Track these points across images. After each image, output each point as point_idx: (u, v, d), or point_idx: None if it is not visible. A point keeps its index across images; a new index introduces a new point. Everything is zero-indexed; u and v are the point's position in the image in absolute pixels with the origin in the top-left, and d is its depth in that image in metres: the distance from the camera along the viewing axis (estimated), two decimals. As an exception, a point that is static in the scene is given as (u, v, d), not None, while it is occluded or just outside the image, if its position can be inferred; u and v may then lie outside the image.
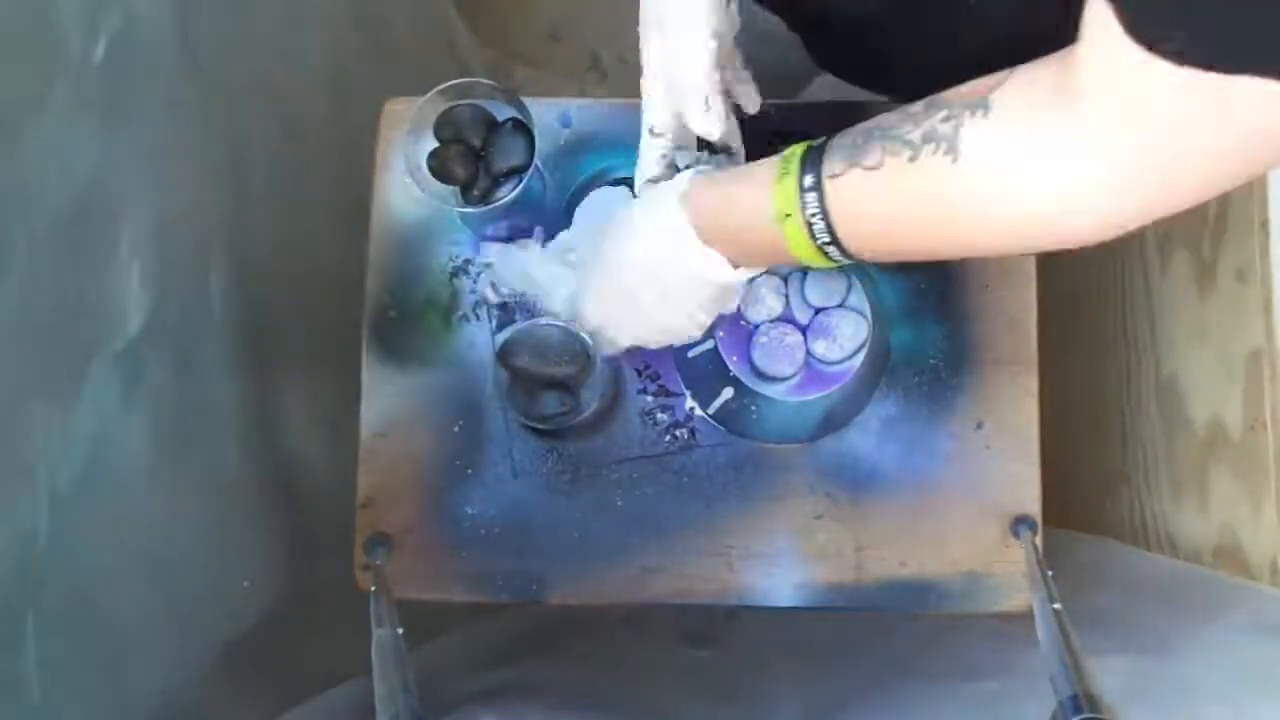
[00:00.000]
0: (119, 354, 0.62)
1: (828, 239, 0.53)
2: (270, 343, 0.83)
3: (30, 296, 0.54)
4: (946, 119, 0.48)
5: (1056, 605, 0.56)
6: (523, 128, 0.69)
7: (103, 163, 0.60)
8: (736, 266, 0.58)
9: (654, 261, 0.60)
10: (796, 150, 0.54)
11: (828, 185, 0.52)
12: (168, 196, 0.69)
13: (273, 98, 0.84)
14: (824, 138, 0.54)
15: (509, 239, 0.75)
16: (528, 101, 0.69)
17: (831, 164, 0.52)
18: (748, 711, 0.83)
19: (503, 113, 0.70)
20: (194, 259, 0.73)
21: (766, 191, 0.54)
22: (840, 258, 0.54)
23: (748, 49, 0.63)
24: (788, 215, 0.53)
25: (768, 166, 0.55)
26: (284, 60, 0.86)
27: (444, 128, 0.70)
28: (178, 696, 0.65)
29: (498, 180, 0.70)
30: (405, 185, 0.75)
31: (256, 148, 0.82)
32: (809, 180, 0.52)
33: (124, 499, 0.63)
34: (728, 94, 0.62)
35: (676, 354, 0.74)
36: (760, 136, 0.77)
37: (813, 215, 0.52)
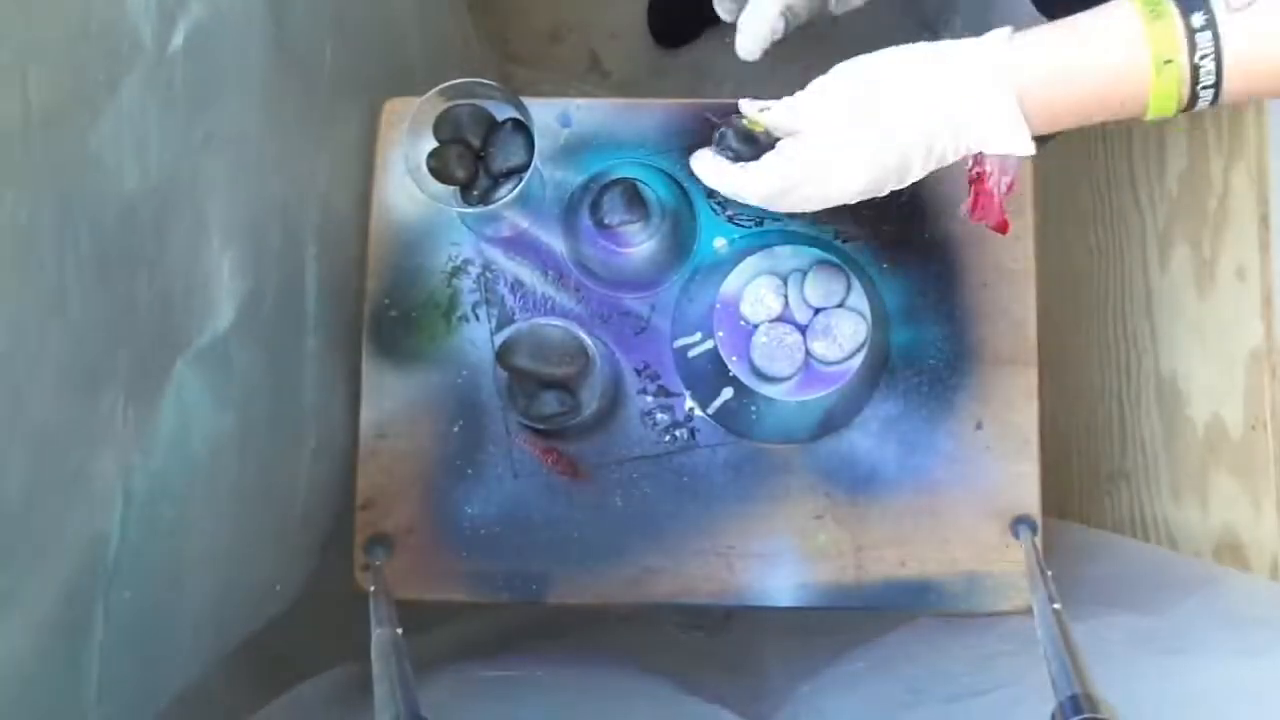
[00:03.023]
0: (206, 350, 0.61)
1: (1211, 83, 0.50)
2: (354, 340, 0.82)
3: (112, 292, 0.53)
4: None
5: (1056, 605, 0.56)
6: (523, 128, 0.69)
7: (185, 153, 0.59)
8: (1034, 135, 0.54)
9: (939, 108, 0.55)
10: None
11: (1224, 22, 0.49)
12: (262, 185, 0.67)
13: (361, 82, 0.82)
14: None
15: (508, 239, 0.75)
16: (528, 101, 0.69)
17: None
18: (745, 683, 0.83)
19: (503, 113, 0.70)
20: (288, 250, 0.72)
21: (1132, 42, 0.51)
22: (1207, 103, 0.51)
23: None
24: (1167, 61, 0.50)
25: (1118, 12, 0.52)
26: (368, 46, 0.84)
27: (444, 128, 0.70)
28: (189, 694, 0.65)
29: (498, 180, 0.70)
30: (405, 185, 0.75)
31: (347, 133, 0.80)
32: (1199, 20, 0.49)
33: (200, 498, 0.62)
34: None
35: (676, 354, 0.74)
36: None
37: (1203, 57, 0.50)
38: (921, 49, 0.57)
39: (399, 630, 0.56)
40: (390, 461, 0.74)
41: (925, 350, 0.75)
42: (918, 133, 0.55)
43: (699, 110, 0.77)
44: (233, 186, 0.63)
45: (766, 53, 0.63)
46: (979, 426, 0.74)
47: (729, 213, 0.76)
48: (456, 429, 0.75)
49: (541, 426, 0.70)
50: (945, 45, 0.56)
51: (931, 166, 0.57)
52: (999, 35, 0.55)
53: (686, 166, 0.76)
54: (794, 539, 0.73)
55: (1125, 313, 1.05)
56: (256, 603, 0.72)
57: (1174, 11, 0.50)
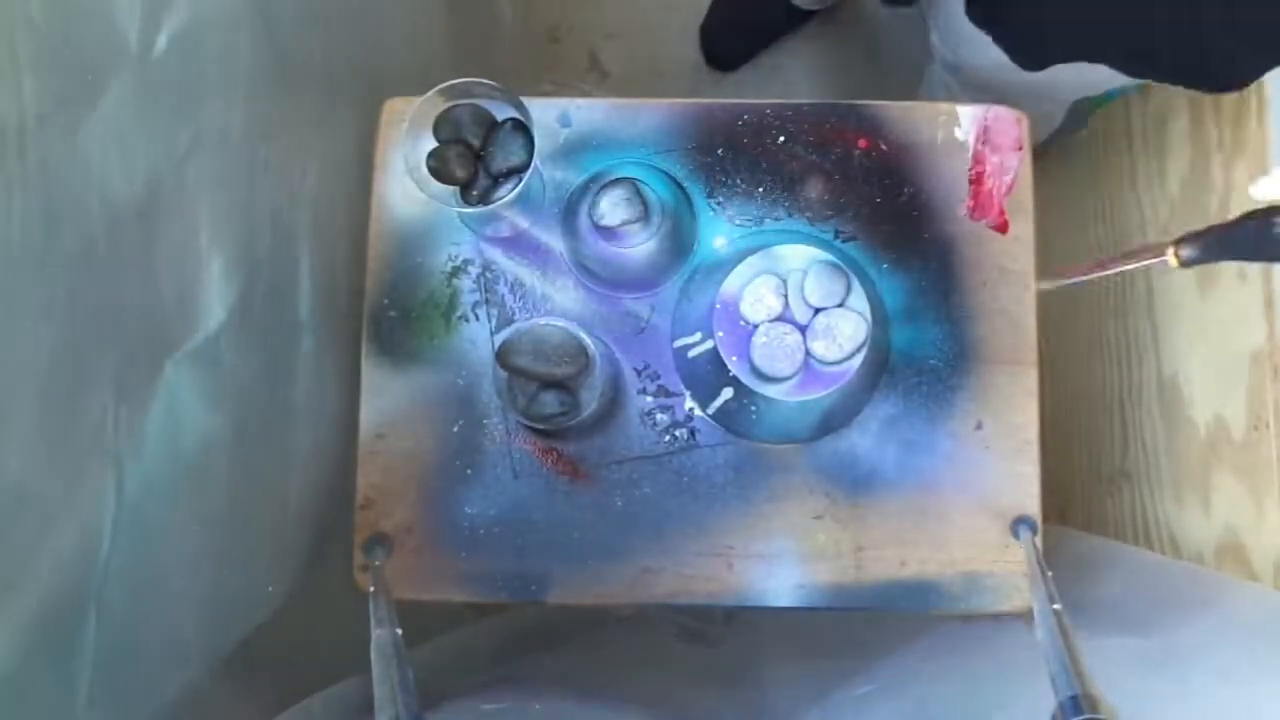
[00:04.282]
0: (197, 351, 0.61)
1: None
2: (350, 340, 0.82)
3: (99, 294, 0.53)
4: None
5: (1056, 606, 0.56)
6: (522, 128, 0.69)
7: (171, 155, 0.59)
8: None
9: None
10: None
11: None
12: (251, 186, 0.67)
13: (356, 82, 0.82)
14: None
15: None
16: (528, 101, 0.68)
17: None
18: (745, 701, 0.83)
19: (502, 113, 0.70)
20: (280, 251, 0.71)
21: None
22: None
23: None
24: None
25: None
26: (360, 45, 0.84)
27: (444, 128, 0.70)
28: (183, 695, 0.65)
29: (497, 180, 0.70)
30: (405, 185, 0.75)
31: (343, 132, 0.80)
32: None
33: (190, 499, 0.62)
34: None
35: (676, 354, 0.74)
36: (761, 136, 0.77)
37: None
38: None
39: (399, 630, 0.56)
40: (390, 461, 0.74)
41: (925, 350, 0.75)
42: None
43: (699, 110, 0.77)
44: (220, 188, 0.63)
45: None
46: (979, 426, 0.74)
47: (729, 212, 0.76)
48: (456, 429, 0.75)
49: (541, 426, 0.70)
50: None
51: None
52: None
53: (686, 166, 0.77)
54: (794, 539, 0.73)
55: (1126, 313, 1.05)
56: (249, 605, 0.72)
57: None
